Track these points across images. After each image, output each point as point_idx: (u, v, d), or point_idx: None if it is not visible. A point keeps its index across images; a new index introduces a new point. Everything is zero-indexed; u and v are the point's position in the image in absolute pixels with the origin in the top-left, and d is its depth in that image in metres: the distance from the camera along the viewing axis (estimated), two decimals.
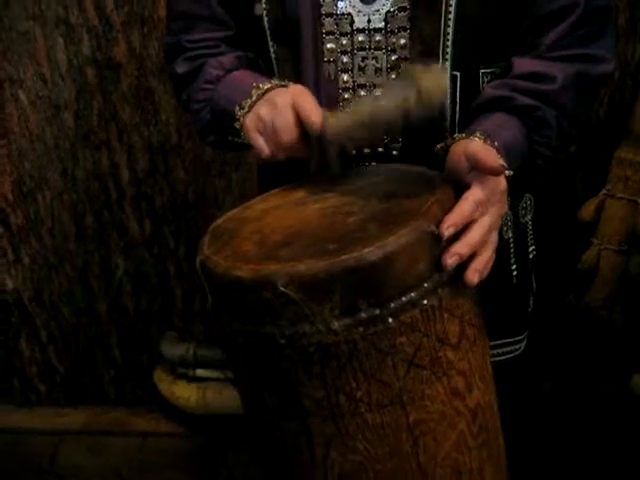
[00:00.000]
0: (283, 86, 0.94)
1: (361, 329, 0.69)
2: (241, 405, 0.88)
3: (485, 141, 0.84)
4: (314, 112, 0.86)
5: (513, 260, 1.09)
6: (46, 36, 1.86)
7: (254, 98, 0.93)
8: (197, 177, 1.98)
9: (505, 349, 1.11)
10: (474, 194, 0.77)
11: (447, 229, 0.72)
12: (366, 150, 1.01)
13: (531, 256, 1.15)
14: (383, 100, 0.80)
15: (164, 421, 2.17)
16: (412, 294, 0.70)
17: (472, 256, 0.75)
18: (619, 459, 1.79)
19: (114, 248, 2.08)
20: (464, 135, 0.87)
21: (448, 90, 0.89)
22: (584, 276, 1.79)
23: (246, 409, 0.87)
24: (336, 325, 0.68)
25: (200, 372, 2.03)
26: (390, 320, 0.70)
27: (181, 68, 1.05)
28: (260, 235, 0.78)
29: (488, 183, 0.79)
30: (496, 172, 0.77)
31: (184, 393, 2.04)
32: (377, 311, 0.69)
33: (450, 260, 0.72)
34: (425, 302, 0.71)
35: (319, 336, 0.69)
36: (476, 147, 0.81)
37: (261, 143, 0.90)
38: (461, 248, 0.73)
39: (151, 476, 1.99)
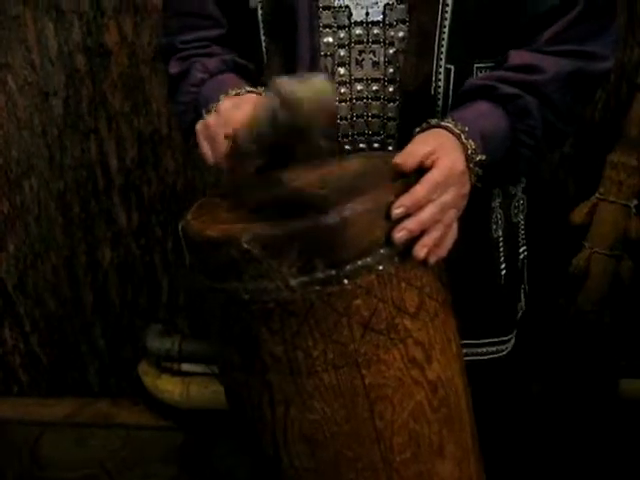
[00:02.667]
0: (252, 92, 0.96)
1: (317, 288, 0.73)
2: (218, 372, 0.95)
3: (456, 126, 0.87)
4: (228, 128, 0.86)
5: (502, 259, 1.08)
6: (36, 21, 1.84)
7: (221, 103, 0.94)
8: (186, 169, 1.97)
9: (490, 348, 1.11)
10: (430, 177, 0.79)
11: (397, 209, 0.75)
12: (362, 145, 1.01)
13: (522, 256, 1.15)
14: (260, 110, 0.83)
15: (148, 414, 2.15)
16: (368, 259, 0.75)
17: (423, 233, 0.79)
18: (607, 462, 1.80)
19: (101, 238, 2.06)
20: (436, 121, 0.89)
21: (333, 99, 0.88)
22: (575, 279, 1.78)
23: (220, 371, 0.94)
24: (293, 282, 0.73)
25: (185, 366, 2.01)
26: (346, 281, 0.74)
27: (173, 68, 1.08)
28: (237, 206, 0.84)
29: (445, 165, 0.81)
30: (396, 167, 0.80)
31: (168, 387, 2.02)
32: (333, 272, 0.73)
33: (398, 234, 0.76)
34: (381, 268, 0.75)
35: (278, 292, 0.74)
36: (409, 147, 0.83)
37: (205, 150, 0.92)
38: (410, 224, 0.76)
39: (134, 469, 1.99)
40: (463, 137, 0.86)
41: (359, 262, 0.74)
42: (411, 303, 0.78)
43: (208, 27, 1.06)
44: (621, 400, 1.84)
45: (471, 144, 0.86)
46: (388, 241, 0.76)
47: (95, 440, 2.09)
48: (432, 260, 0.79)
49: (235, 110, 0.89)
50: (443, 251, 0.81)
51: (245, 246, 0.72)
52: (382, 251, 0.75)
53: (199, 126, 0.92)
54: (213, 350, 0.93)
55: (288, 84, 0.74)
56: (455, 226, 0.83)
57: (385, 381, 0.78)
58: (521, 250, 1.15)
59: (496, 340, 1.11)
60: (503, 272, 1.09)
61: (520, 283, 1.17)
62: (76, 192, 2.00)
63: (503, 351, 1.12)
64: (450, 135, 0.86)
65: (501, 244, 1.08)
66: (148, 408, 2.14)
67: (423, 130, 0.89)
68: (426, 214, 0.77)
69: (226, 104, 0.91)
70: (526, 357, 1.49)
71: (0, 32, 1.85)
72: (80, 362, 2.21)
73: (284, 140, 0.78)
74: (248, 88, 0.97)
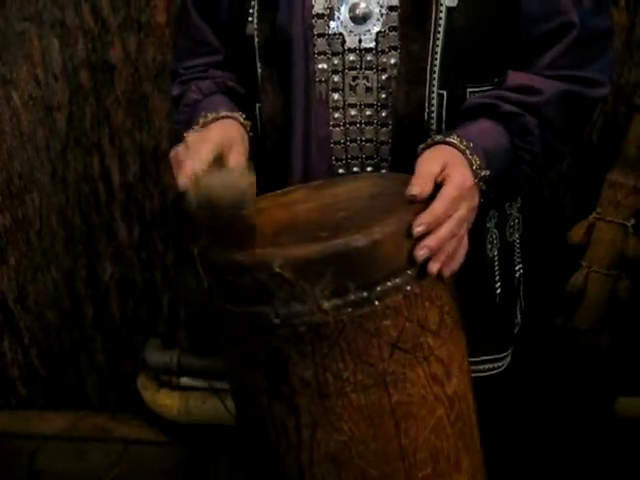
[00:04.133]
0: (228, 117, 0.99)
1: (349, 310, 0.74)
2: (232, 395, 0.94)
3: (460, 142, 0.88)
4: (186, 170, 0.85)
5: (498, 278, 1.09)
6: (41, 37, 1.86)
7: (199, 126, 0.98)
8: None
9: (486, 366, 1.11)
10: (446, 193, 0.81)
11: (418, 227, 0.77)
12: (355, 169, 1.03)
13: (517, 275, 1.16)
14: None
15: (146, 428, 2.15)
16: (397, 279, 0.76)
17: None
18: None
19: (102, 252, 2.06)
20: (440, 137, 0.91)
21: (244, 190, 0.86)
22: (572, 298, 1.79)
23: (237, 395, 0.92)
24: (326, 305, 0.73)
25: (184, 381, 2.01)
26: (376, 303, 0.75)
27: (175, 91, 1.13)
28: (255, 228, 0.83)
29: (457, 180, 0.83)
30: (407, 197, 0.81)
31: (167, 401, 2.02)
32: (365, 293, 0.74)
33: (420, 252, 0.77)
34: (408, 288, 0.77)
35: (310, 316, 0.74)
36: (419, 167, 0.85)
37: (175, 176, 0.91)
38: (430, 242, 0.78)
39: None
40: (468, 153, 0.88)
41: (389, 283, 0.75)
42: (433, 321, 0.80)
43: (207, 54, 1.11)
44: (618, 418, 1.85)
45: (476, 160, 0.88)
46: (411, 260, 0.77)
47: (93, 453, 2.08)
48: (447, 274, 0.81)
49: (200, 144, 0.89)
50: (457, 264, 0.83)
51: (277, 270, 0.72)
52: (409, 272, 0.77)
53: (172, 153, 0.94)
54: (229, 375, 0.92)
55: (212, 182, 0.78)
56: (466, 239, 0.85)
57: (410, 399, 0.79)
58: (517, 269, 1.16)
59: (492, 357, 1.12)
60: (498, 291, 1.10)
61: (516, 301, 1.18)
62: (78, 206, 2.01)
63: (499, 368, 1.13)
64: (456, 151, 0.88)
65: (496, 263, 1.09)
66: (146, 422, 2.14)
67: (428, 146, 0.91)
68: (444, 230, 0.79)
69: (192, 137, 0.92)
70: (524, 375, 1.49)
71: (5, 47, 1.86)
72: (79, 375, 2.21)
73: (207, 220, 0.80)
74: (223, 113, 1.00)
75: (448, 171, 0.83)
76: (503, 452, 0.99)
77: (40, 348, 2.18)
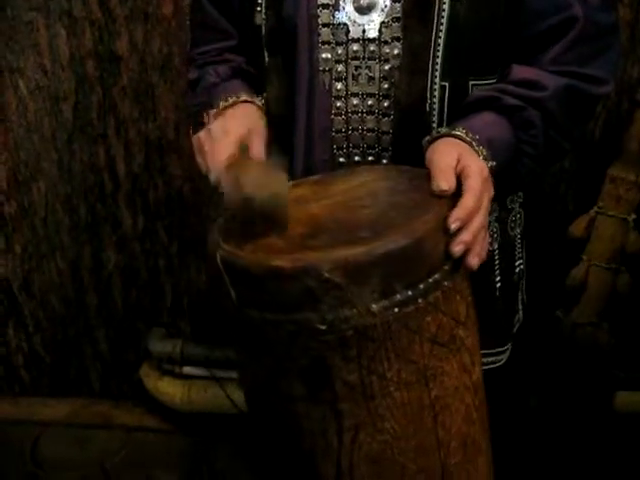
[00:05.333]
0: (247, 102, 1.02)
1: (396, 310, 0.73)
2: (252, 401, 0.90)
3: (467, 134, 0.89)
4: (215, 162, 0.90)
5: (498, 272, 1.10)
6: (49, 27, 1.86)
7: (220, 108, 1.01)
8: (193, 175, 1.98)
9: (486, 359, 1.11)
10: (473, 186, 0.81)
11: (454, 223, 0.77)
12: (356, 158, 1.03)
13: (518, 270, 1.16)
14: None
15: (148, 416, 2.17)
16: (436, 275, 0.76)
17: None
18: (602, 475, 1.80)
19: (106, 241, 2.08)
20: (446, 130, 0.91)
21: (284, 198, 0.86)
22: (573, 292, 1.80)
23: (263, 403, 0.88)
24: (375, 308, 0.72)
25: (186, 369, 2.03)
26: (420, 301, 0.74)
27: (192, 74, 1.15)
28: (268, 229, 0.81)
29: (477, 172, 0.83)
30: (435, 192, 0.81)
31: (169, 390, 2.04)
32: (409, 292, 0.74)
33: (457, 248, 0.78)
34: (445, 283, 0.77)
35: (358, 319, 0.72)
36: (438, 161, 0.85)
37: (199, 161, 0.95)
38: (465, 236, 0.78)
39: (133, 471, 1.99)
40: (475, 145, 0.89)
41: (430, 280, 0.75)
42: (462, 313, 0.80)
43: (222, 39, 1.12)
44: (616, 413, 1.86)
45: (482, 151, 0.89)
46: (447, 256, 0.78)
47: (95, 441, 2.10)
48: (477, 265, 0.81)
49: (224, 136, 0.92)
50: (485, 254, 0.83)
51: (326, 275, 0.70)
52: (445, 267, 0.77)
53: (194, 140, 0.96)
54: (255, 383, 0.88)
55: (246, 180, 0.78)
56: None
57: (446, 391, 0.79)
58: (517, 263, 1.15)
59: (492, 352, 1.12)
60: (498, 285, 1.10)
61: (516, 295, 1.18)
62: (83, 195, 2.02)
63: (499, 362, 1.14)
64: (463, 143, 0.89)
65: (497, 257, 1.09)
66: (149, 410, 2.16)
67: (434, 139, 0.92)
68: (476, 224, 0.80)
69: (215, 126, 0.95)
70: (523, 369, 1.50)
71: (13, 37, 1.87)
72: (82, 363, 2.23)
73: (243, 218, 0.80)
74: (243, 97, 1.02)
75: (465, 163, 0.84)
76: (502, 446, 0.99)
77: (44, 336, 2.20)
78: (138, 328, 2.17)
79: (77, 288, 2.13)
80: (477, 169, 0.84)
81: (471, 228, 0.79)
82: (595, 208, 1.76)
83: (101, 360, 2.23)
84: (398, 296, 0.73)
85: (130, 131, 1.96)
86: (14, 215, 2.05)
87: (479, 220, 0.81)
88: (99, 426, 2.15)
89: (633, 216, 1.74)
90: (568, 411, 1.85)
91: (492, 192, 0.87)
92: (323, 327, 0.72)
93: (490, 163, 0.89)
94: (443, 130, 0.92)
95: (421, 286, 0.74)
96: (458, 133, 0.90)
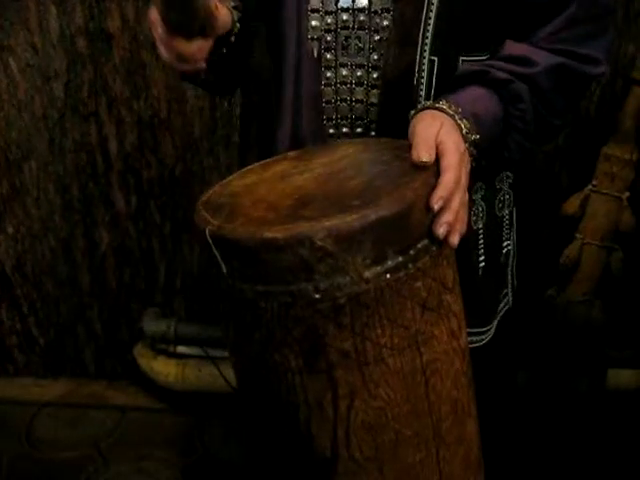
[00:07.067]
0: None
1: (388, 276, 0.73)
2: (243, 377, 0.89)
3: (449, 107, 0.88)
4: None
5: (482, 252, 1.08)
6: (39, 4, 1.84)
7: None
8: (185, 153, 1.98)
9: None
10: (450, 163, 0.80)
11: (437, 203, 0.77)
12: (345, 129, 1.03)
13: (505, 250, 1.14)
14: None
15: (143, 396, 2.18)
16: (425, 241, 0.76)
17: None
18: (593, 453, 1.82)
19: (99, 221, 2.07)
20: (430, 102, 0.91)
21: None
22: (566, 270, 1.80)
23: (253, 380, 0.87)
24: (367, 274, 0.72)
25: (180, 349, 2.04)
26: (410, 266, 0.75)
27: None
28: (266, 203, 0.80)
29: (453, 149, 0.82)
30: (415, 162, 0.80)
31: (163, 369, 2.05)
32: (400, 258, 0.74)
33: (441, 230, 0.77)
34: (434, 248, 0.77)
35: (352, 286, 0.72)
36: (420, 133, 0.83)
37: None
38: (448, 217, 0.78)
39: (128, 450, 1.99)
40: (457, 117, 0.88)
41: (419, 245, 0.75)
42: (449, 279, 0.81)
43: None
44: (608, 391, 1.87)
45: (465, 123, 0.88)
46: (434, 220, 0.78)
47: (90, 421, 2.11)
48: (457, 240, 0.81)
49: None
50: (464, 229, 0.83)
51: (319, 243, 0.69)
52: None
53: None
54: (248, 359, 0.87)
55: None
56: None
57: (436, 355, 0.80)
58: (505, 244, 1.14)
59: (471, 331, 1.07)
60: (482, 264, 1.08)
61: (503, 278, 1.16)
62: (75, 175, 2.01)
63: (479, 342, 1.12)
64: (446, 116, 0.88)
65: (481, 237, 1.08)
66: (143, 390, 2.18)
67: (417, 111, 0.91)
68: (456, 201, 0.79)
69: None
70: (512, 346, 1.50)
71: (2, 14, 1.85)
72: (76, 343, 2.23)
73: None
74: None
75: (441, 138, 0.83)
76: (489, 426, 0.99)
77: (38, 316, 2.20)
78: (132, 308, 2.18)
79: (70, 268, 2.13)
80: (453, 146, 0.83)
81: (452, 207, 0.79)
82: (589, 186, 1.76)
83: (95, 340, 2.23)
84: (389, 262, 0.73)
85: (122, 110, 1.94)
86: (6, 195, 2.04)
87: (459, 197, 0.80)
88: (93, 406, 2.16)
89: (627, 194, 1.75)
90: (559, 389, 1.86)
91: (469, 167, 0.86)
92: (317, 296, 0.72)
93: (473, 136, 0.88)
94: (427, 103, 0.92)
95: (411, 252, 0.75)
96: (440, 106, 0.89)
